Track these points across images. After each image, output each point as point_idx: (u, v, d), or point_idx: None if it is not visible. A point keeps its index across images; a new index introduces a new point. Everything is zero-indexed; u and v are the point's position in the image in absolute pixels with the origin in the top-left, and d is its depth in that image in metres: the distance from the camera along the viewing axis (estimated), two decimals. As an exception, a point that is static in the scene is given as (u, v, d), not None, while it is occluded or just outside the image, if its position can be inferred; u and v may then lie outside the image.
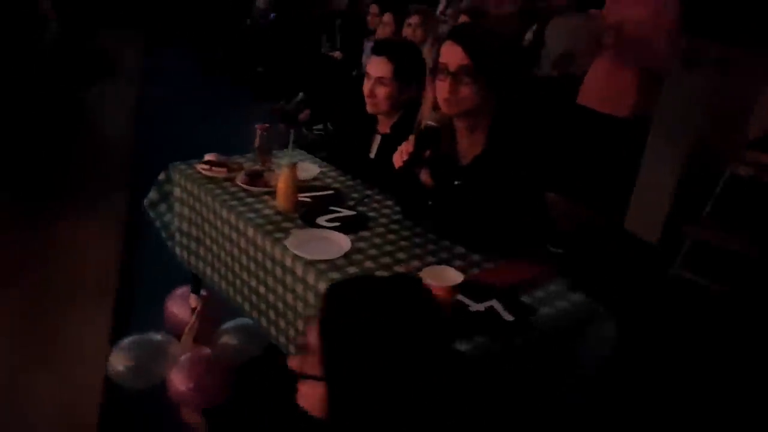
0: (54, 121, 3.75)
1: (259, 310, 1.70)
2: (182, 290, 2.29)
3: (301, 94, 5.36)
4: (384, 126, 2.07)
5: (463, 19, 3.60)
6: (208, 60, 7.39)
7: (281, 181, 1.71)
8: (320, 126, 4.78)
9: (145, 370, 2.03)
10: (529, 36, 4.59)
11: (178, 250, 2.09)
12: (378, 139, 2.08)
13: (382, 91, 1.96)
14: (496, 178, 1.56)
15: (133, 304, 2.58)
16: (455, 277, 1.26)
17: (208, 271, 1.96)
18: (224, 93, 6.17)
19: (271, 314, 1.65)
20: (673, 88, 3.28)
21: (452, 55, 1.53)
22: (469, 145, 1.65)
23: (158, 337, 2.14)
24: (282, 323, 1.61)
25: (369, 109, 2.02)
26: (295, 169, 1.72)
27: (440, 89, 1.57)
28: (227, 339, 2.16)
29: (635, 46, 3.01)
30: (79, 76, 4.46)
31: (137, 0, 9.66)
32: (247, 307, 1.78)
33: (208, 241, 1.91)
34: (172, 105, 5.51)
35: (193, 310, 2.15)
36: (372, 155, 2.10)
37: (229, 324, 2.19)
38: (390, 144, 1.94)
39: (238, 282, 1.79)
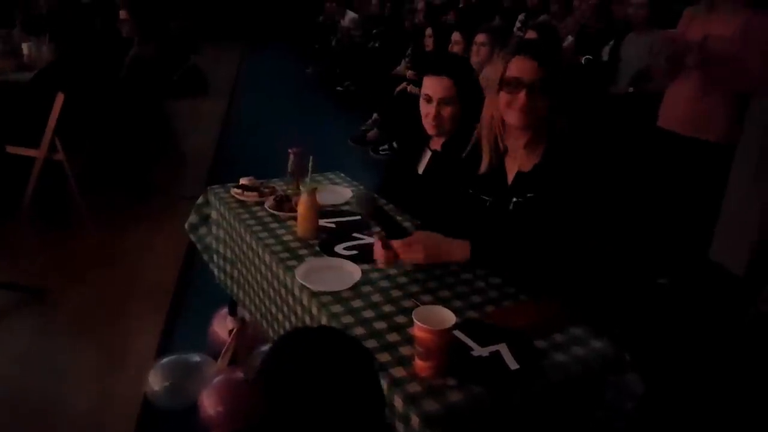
0: (141, 135, 4.00)
1: (279, 335, 1.68)
2: (225, 310, 2.33)
3: (375, 114, 5.40)
4: (436, 143, 2.02)
5: (530, 34, 3.45)
6: (299, 75, 7.77)
7: (300, 207, 1.69)
8: (386, 147, 4.77)
9: (180, 390, 2.06)
10: (605, 52, 4.38)
11: (216, 271, 2.13)
12: (428, 155, 2.04)
13: (447, 111, 1.91)
14: (554, 194, 1.49)
15: (184, 315, 2.67)
16: (449, 318, 1.16)
17: (241, 294, 1.98)
18: (311, 108, 6.40)
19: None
20: (761, 113, 2.96)
21: (526, 68, 1.50)
22: (525, 161, 1.59)
23: (197, 358, 2.18)
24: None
25: (431, 131, 1.98)
26: (314, 194, 1.69)
27: (512, 101, 1.53)
28: (263, 363, 2.16)
29: (722, 67, 2.74)
30: (170, 92, 4.73)
31: (235, 16, 10.47)
32: (270, 333, 1.77)
33: (239, 264, 1.93)
34: (258, 119, 5.78)
35: (230, 331, 2.18)
36: (420, 171, 2.05)
37: (266, 347, 2.20)
38: (439, 161, 1.97)
39: (263, 307, 1.79)
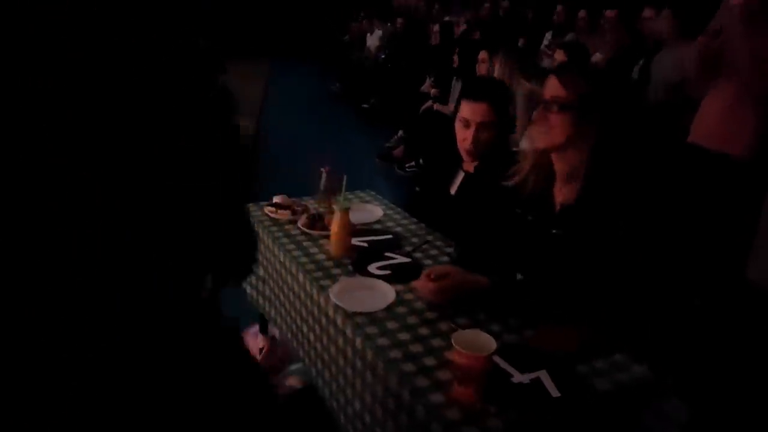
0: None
1: (310, 356, 1.67)
2: (255, 329, 2.32)
3: (401, 131, 5.42)
4: (468, 165, 2.02)
5: (559, 54, 3.43)
6: (325, 92, 7.87)
7: (333, 226, 1.69)
8: (413, 163, 4.77)
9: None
10: (635, 72, 4.35)
11: (248, 289, 2.13)
12: (461, 176, 2.03)
13: (485, 136, 1.91)
14: (594, 230, 1.44)
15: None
16: (489, 344, 1.13)
17: (273, 312, 1.98)
18: (337, 125, 6.46)
19: (319, 364, 1.61)
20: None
21: (551, 88, 1.49)
22: (565, 190, 1.55)
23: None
24: (327, 374, 1.56)
25: (467, 155, 1.97)
26: (348, 214, 1.68)
27: (548, 122, 1.50)
28: (293, 382, 2.14)
29: (758, 78, 2.70)
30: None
31: (261, 34, 10.75)
32: (301, 353, 1.76)
33: (271, 282, 1.93)
34: (285, 137, 5.83)
35: (261, 349, 2.17)
36: (453, 192, 2.04)
37: (295, 366, 2.19)
38: (473, 182, 1.97)
39: (294, 326, 1.78)
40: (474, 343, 1.12)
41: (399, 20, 7.95)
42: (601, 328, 1.33)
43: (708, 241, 3.09)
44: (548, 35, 5.76)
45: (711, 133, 2.95)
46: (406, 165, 4.82)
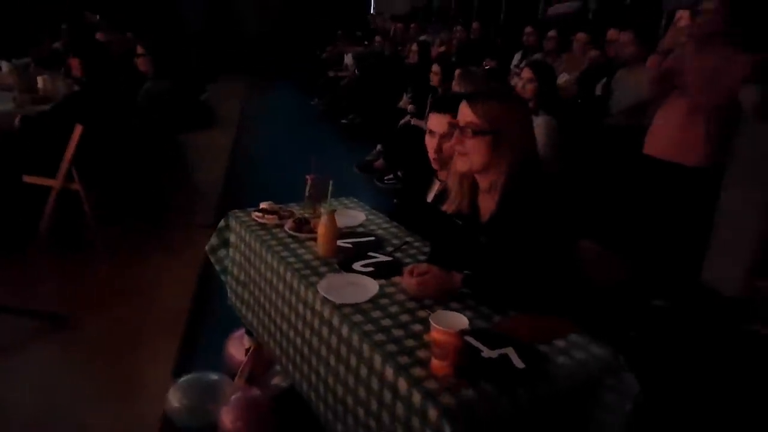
0: (155, 166, 4.15)
1: (288, 354, 1.79)
2: (241, 332, 2.42)
3: (379, 145, 5.58)
4: (444, 175, 2.15)
5: (525, 72, 3.64)
6: (305, 108, 8.04)
7: (320, 228, 1.82)
8: (392, 176, 4.93)
9: (200, 408, 2.15)
10: (599, 88, 4.60)
11: (229, 293, 2.23)
12: (437, 185, 2.17)
13: (449, 148, 2.03)
14: (511, 236, 1.58)
15: (199, 340, 2.75)
16: (463, 322, 1.28)
17: (249, 315, 2.08)
18: (316, 139, 6.60)
19: (297, 359, 1.72)
20: (748, 140, 3.14)
21: (463, 114, 1.64)
22: (487, 202, 1.70)
23: (214, 377, 2.27)
24: (305, 368, 1.67)
25: (434, 163, 2.12)
26: (334, 216, 1.82)
27: (464, 146, 1.66)
28: (279, 381, 2.25)
29: (705, 93, 2.94)
30: (180, 125, 4.90)
31: (240, 53, 10.94)
32: (278, 351, 1.87)
33: (251, 286, 2.04)
34: (265, 150, 5.97)
35: (247, 351, 2.27)
36: (429, 199, 2.18)
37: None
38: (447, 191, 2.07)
39: (272, 326, 1.89)
40: (448, 321, 1.27)
41: (377, 38, 8.17)
42: (561, 316, 1.48)
43: (668, 245, 3.29)
44: (518, 55, 6.01)
45: (664, 144, 3.18)
46: (386, 177, 4.98)
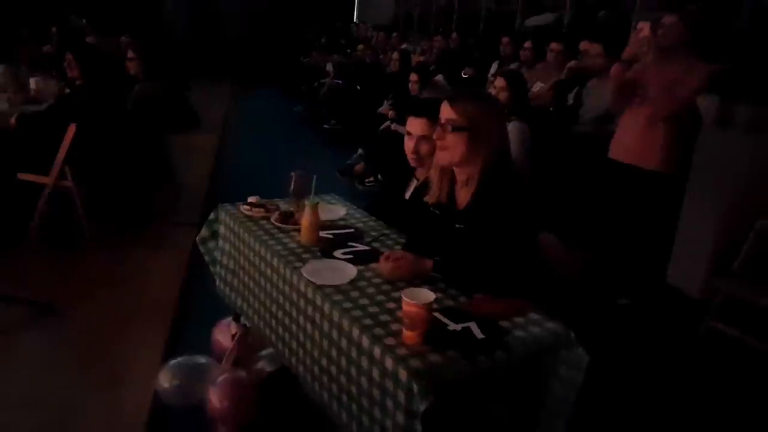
0: (141, 165, 4.28)
1: (277, 333, 1.95)
2: (227, 320, 2.57)
3: (360, 149, 5.76)
4: (420, 173, 2.33)
5: (499, 80, 3.84)
6: (288, 114, 8.21)
7: (304, 218, 1.98)
8: (372, 179, 5.11)
9: (188, 388, 2.28)
10: (571, 97, 4.84)
11: (219, 282, 2.38)
12: (414, 183, 2.34)
13: (425, 148, 2.21)
14: (484, 223, 1.76)
15: (185, 329, 2.89)
16: (430, 296, 1.45)
17: (239, 301, 2.24)
18: (299, 143, 6.82)
19: (286, 336, 1.88)
20: (707, 147, 3.38)
21: (444, 112, 1.82)
22: (464, 193, 1.88)
23: (202, 359, 2.40)
24: (294, 345, 1.84)
25: (412, 162, 2.29)
26: (317, 208, 1.98)
27: (444, 141, 1.84)
28: (263, 365, 2.39)
29: (664, 102, 3.16)
30: (167, 127, 5.03)
31: (225, 58, 11.12)
32: (267, 332, 2.03)
33: (241, 274, 2.19)
34: (249, 153, 6.13)
35: (233, 336, 2.42)
36: (407, 197, 2.35)
37: (265, 352, 2.44)
38: (422, 188, 2.22)
39: (262, 309, 2.06)
40: (418, 296, 1.44)
41: (359, 47, 8.36)
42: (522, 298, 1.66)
43: (634, 246, 3.50)
44: (495, 65, 6.24)
45: (626, 149, 3.40)
46: (366, 180, 5.15)
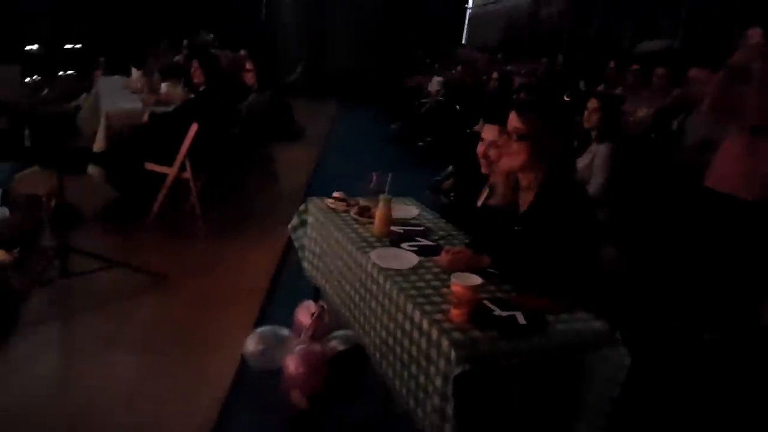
0: (249, 169, 4.76)
1: (350, 308, 2.19)
2: (308, 302, 2.84)
3: (451, 166, 5.93)
4: (493, 178, 2.49)
5: (592, 102, 3.86)
6: (384, 131, 8.58)
7: (378, 212, 2.21)
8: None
9: (270, 354, 2.57)
10: (676, 123, 4.74)
11: (306, 265, 2.67)
12: (486, 191, 2.51)
13: (494, 153, 2.37)
14: (541, 227, 1.89)
15: (272, 308, 3.22)
16: (477, 280, 1.62)
17: (323, 281, 2.50)
18: (393, 159, 7.16)
19: (356, 313, 2.11)
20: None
21: (511, 121, 1.97)
22: (526, 198, 2.02)
23: (285, 331, 2.69)
24: (362, 319, 2.06)
25: (483, 167, 2.46)
26: (390, 203, 2.21)
27: (510, 148, 2.00)
28: (335, 344, 2.64)
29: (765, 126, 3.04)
30: (273, 136, 5.53)
31: (331, 77, 11.79)
32: (343, 308, 2.27)
33: (325, 258, 2.46)
34: (344, 165, 6.50)
35: (312, 314, 2.68)
36: (479, 204, 2.52)
37: (339, 332, 2.68)
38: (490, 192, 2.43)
39: (339, 288, 2.31)
40: (466, 279, 1.61)
41: (458, 68, 8.57)
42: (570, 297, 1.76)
43: (725, 280, 3.36)
44: (582, 84, 6.22)
45: (724, 177, 3.27)
46: (451, 194, 5.29)
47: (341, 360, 2.50)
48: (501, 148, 2.02)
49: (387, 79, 11.32)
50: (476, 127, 6.14)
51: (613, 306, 2.01)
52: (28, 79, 5.74)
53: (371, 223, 2.31)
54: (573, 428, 1.73)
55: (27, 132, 2.98)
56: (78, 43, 8.15)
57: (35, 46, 7.74)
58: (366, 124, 9.79)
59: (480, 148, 2.41)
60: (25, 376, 2.47)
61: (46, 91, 6.10)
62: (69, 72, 7.16)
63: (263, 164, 5.10)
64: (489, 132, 2.38)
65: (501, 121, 2.35)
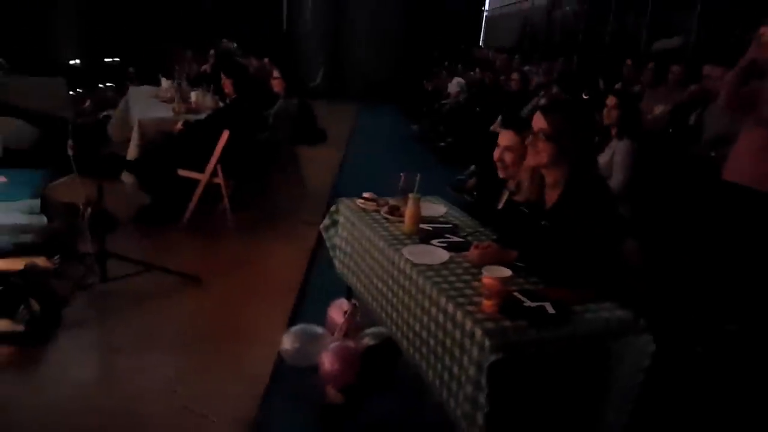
0: (277, 171, 4.90)
1: (382, 305, 2.28)
2: (340, 300, 2.96)
3: (473, 166, 6.02)
4: (511, 185, 2.58)
5: (611, 99, 3.93)
6: (406, 132, 8.70)
7: (408, 210, 2.31)
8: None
9: (306, 352, 2.69)
10: (693, 118, 4.78)
11: (337, 264, 2.78)
12: (506, 194, 2.60)
13: (509, 157, 2.47)
14: (567, 222, 1.97)
15: (304, 306, 3.33)
16: (506, 272, 1.71)
17: (354, 279, 2.61)
18: (415, 160, 7.26)
19: (388, 308, 2.21)
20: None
21: (537, 122, 2.06)
22: (552, 194, 2.11)
23: (319, 329, 2.81)
24: (394, 314, 2.16)
25: (500, 171, 2.54)
26: (419, 201, 2.31)
27: (536, 147, 2.08)
28: (367, 340, 2.74)
29: None
30: (299, 140, 5.66)
31: (353, 79, 11.98)
32: (374, 305, 2.37)
33: (356, 256, 2.56)
34: (367, 165, 6.64)
35: (345, 312, 2.79)
36: (500, 206, 2.61)
37: (370, 329, 2.79)
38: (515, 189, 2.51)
39: (370, 285, 2.40)
40: (497, 272, 1.71)
41: (476, 70, 8.64)
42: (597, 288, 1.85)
43: (746, 272, 3.40)
44: (617, 87, 6.25)
45: (743, 171, 3.32)
46: (474, 193, 5.38)
47: (373, 353, 2.61)
48: (527, 147, 2.10)
49: (406, 81, 11.44)
50: (493, 126, 6.23)
51: (635, 298, 2.09)
52: (71, 92, 6.02)
53: (401, 221, 2.41)
54: (601, 414, 1.81)
55: (70, 142, 3.10)
56: (115, 57, 8.54)
57: (77, 60, 8.10)
58: (387, 125, 9.94)
59: (496, 153, 2.49)
60: (69, 377, 2.59)
61: (88, 102, 6.35)
62: (108, 84, 7.49)
63: (290, 166, 5.24)
64: (504, 137, 2.47)
65: (516, 126, 2.44)
